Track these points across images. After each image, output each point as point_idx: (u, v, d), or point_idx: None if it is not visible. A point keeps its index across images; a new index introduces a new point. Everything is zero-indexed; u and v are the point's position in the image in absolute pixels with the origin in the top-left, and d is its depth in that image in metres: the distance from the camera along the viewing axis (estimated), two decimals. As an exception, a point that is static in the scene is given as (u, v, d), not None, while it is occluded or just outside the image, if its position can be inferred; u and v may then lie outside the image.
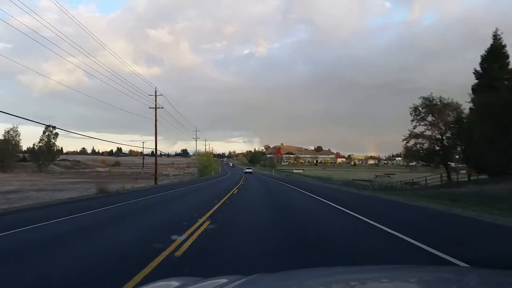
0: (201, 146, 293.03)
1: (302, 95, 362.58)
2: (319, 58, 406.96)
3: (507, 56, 28.60)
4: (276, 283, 2.06)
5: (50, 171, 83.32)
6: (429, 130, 34.99)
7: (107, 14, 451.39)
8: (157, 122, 39.52)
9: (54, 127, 79.31)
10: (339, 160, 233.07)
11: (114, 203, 16.25)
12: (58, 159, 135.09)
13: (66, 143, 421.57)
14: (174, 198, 20.54)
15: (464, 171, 41.47)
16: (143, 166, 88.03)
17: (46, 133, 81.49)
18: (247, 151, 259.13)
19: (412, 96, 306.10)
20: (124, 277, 4.57)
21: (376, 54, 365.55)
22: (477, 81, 30.21)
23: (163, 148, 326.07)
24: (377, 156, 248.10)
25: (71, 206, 15.27)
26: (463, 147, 33.01)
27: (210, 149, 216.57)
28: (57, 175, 75.31)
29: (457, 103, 33.73)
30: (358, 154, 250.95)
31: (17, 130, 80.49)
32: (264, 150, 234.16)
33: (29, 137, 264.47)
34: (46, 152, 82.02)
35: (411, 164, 43.29)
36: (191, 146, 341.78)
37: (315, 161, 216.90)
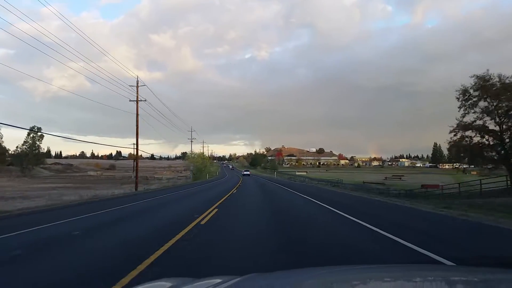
0: (201, 149, 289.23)
1: (304, 98, 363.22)
2: (320, 62, 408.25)
3: None
4: (270, 283, 2.04)
5: (35, 175, 77.65)
6: (480, 119, 27.95)
7: (111, 20, 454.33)
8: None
9: (39, 129, 73.63)
10: (342, 161, 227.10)
11: (53, 220, 11.28)
12: (50, 163, 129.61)
13: (68, 147, 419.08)
14: (139, 212, 14.99)
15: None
16: (133, 170, 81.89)
17: (31, 135, 75.49)
18: (247, 153, 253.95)
19: (413, 99, 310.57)
20: None
21: (378, 58, 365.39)
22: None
23: (164, 151, 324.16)
24: (380, 157, 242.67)
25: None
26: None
27: (210, 151, 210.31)
28: (41, 179, 69.75)
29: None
30: (360, 156, 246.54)
31: (-1, 133, 74.75)
32: (265, 153, 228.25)
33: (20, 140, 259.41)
34: (30, 155, 76.08)
35: (460, 165, 35.47)
36: (195, 149, 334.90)
37: (317, 163, 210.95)
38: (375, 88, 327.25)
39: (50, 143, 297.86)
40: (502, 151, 27.63)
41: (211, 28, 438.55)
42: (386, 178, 77.91)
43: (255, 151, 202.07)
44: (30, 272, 5.27)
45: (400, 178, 78.13)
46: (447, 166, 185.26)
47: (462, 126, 28.42)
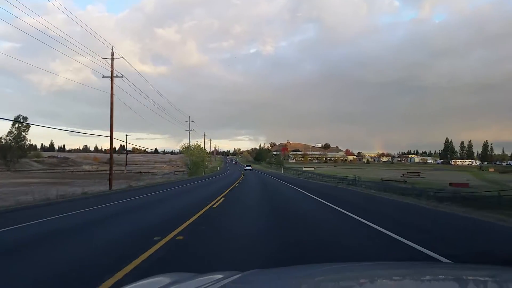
0: (205, 143, 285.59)
1: (309, 93, 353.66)
2: (326, 56, 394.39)
3: None
4: (272, 280, 2.03)
5: (21, 169, 71.92)
6: None
7: (116, 14, 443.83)
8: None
9: (25, 118, 67.61)
10: (349, 157, 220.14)
11: None
12: (46, 156, 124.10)
13: (72, 141, 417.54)
14: (69, 231, 8.67)
15: None
16: (126, 164, 76.12)
17: (16, 125, 69.27)
18: (252, 148, 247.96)
19: (418, 94, 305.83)
20: None
21: (384, 52, 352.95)
22: None
23: (170, 146, 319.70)
24: (388, 153, 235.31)
25: None
26: None
27: (214, 146, 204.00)
28: (24, 174, 63.97)
29: None
30: (366, 152, 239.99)
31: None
32: (270, 148, 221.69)
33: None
34: (15, 147, 70.00)
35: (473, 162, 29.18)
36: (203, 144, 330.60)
37: (324, 159, 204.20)
38: (381, 83, 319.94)
39: (54, 137, 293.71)
40: None
41: (216, 22, 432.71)
42: (403, 175, 71.15)
43: (260, 146, 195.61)
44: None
45: (419, 175, 71.46)
46: (459, 163, 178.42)
47: None
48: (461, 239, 8.29)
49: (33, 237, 8.11)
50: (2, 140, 69.94)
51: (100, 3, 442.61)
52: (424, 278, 2.00)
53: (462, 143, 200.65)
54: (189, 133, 63.03)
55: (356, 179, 42.00)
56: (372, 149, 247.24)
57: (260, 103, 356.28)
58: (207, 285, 1.79)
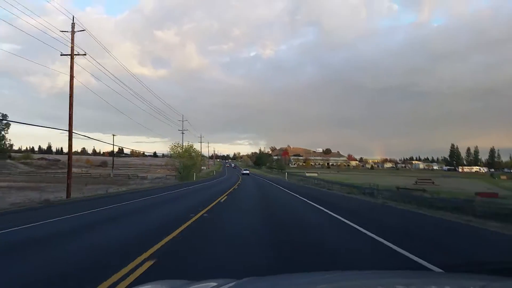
0: (204, 146, 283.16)
1: (310, 97, 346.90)
2: (326, 60, 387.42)
3: None
4: (268, 286, 2.03)
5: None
6: None
7: (115, 16, 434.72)
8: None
9: (4, 116, 61.92)
10: (352, 163, 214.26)
11: None
12: (36, 157, 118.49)
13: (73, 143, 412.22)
14: None
15: None
16: (112, 167, 70.39)
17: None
18: (252, 152, 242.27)
19: (419, 99, 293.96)
20: None
21: (384, 57, 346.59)
22: None
23: (170, 149, 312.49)
24: (391, 159, 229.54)
25: None
26: None
27: (213, 149, 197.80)
28: (1, 176, 58.26)
29: None
30: (367, 157, 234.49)
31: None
32: (270, 152, 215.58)
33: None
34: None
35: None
36: (197, 146, 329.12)
37: (326, 164, 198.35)
38: (381, 88, 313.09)
39: (52, 139, 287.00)
40: None
41: (215, 24, 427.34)
42: (416, 182, 65.30)
43: (260, 150, 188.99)
44: None
45: (433, 183, 65.59)
46: (466, 169, 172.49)
47: None
48: None
49: None
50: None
51: (99, 5, 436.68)
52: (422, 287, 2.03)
53: (468, 149, 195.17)
54: (182, 133, 57.36)
55: (372, 187, 36.32)
56: (372, 155, 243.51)
57: (260, 107, 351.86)
58: None
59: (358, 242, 8.27)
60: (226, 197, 20.79)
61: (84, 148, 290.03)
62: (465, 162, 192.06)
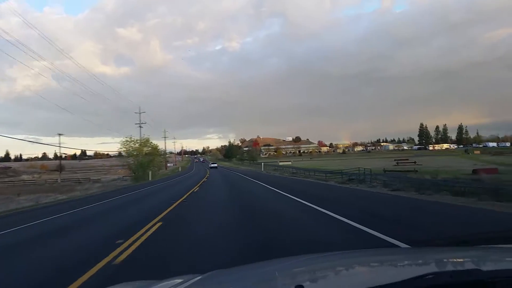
0: (172, 144, 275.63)
1: (277, 88, 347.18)
2: (292, 51, 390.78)
3: None
4: (230, 280, 1.98)
5: None
6: None
7: (75, 15, 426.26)
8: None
9: None
10: (323, 149, 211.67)
11: None
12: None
13: (33, 149, 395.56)
14: None
15: None
16: (60, 171, 62.34)
17: None
18: (221, 145, 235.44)
19: (383, 84, 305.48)
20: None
21: (349, 45, 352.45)
22: None
23: (122, 144, 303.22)
24: (358, 142, 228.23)
25: None
26: None
27: (180, 145, 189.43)
28: None
29: None
30: (336, 143, 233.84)
31: None
32: (240, 144, 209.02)
33: None
34: None
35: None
36: (168, 145, 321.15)
37: (297, 152, 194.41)
38: (346, 75, 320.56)
39: (9, 146, 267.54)
40: None
41: (179, 19, 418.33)
42: (397, 163, 61.20)
43: (229, 142, 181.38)
44: None
45: (415, 162, 61.64)
46: (437, 147, 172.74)
47: None
48: None
49: None
50: None
51: (57, 4, 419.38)
52: (385, 264, 2.02)
53: (437, 127, 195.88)
54: (140, 127, 50.23)
55: (362, 172, 31.12)
56: (341, 140, 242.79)
57: (228, 100, 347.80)
58: None
59: None
60: (185, 198, 14.70)
61: (45, 153, 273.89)
62: (433, 140, 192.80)
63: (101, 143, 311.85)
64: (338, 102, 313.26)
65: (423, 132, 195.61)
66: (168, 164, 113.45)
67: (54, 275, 5.29)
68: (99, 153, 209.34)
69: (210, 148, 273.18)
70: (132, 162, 44.22)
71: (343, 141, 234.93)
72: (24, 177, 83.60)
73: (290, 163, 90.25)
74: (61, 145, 52.82)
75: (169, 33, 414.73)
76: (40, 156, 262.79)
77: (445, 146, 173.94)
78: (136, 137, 46.82)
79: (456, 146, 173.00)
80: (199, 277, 1.90)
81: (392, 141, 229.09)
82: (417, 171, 36.58)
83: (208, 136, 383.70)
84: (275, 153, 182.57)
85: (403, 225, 8.27)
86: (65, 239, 8.65)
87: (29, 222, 12.32)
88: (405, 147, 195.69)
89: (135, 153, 44.59)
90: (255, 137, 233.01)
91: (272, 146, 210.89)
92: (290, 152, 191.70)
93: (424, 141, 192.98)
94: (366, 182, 25.14)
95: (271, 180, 29.19)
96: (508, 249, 2.22)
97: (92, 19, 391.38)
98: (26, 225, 11.74)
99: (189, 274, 2.04)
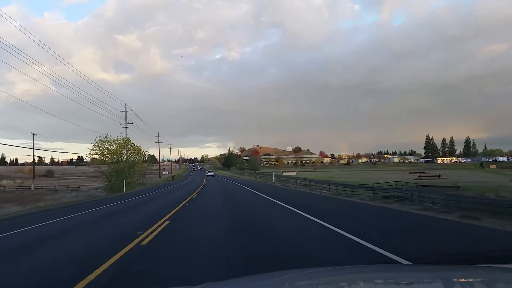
0: (173, 153, 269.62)
1: (276, 98, 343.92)
2: (291, 61, 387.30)
3: None
4: None
5: None
6: None
7: (75, 21, 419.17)
8: None
9: None
10: (326, 159, 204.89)
11: None
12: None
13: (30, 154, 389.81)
14: None
15: None
16: (33, 178, 55.34)
17: None
18: (220, 154, 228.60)
19: (382, 96, 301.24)
20: None
21: (347, 57, 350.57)
22: None
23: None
24: (357, 154, 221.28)
25: None
26: None
27: (177, 153, 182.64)
28: None
29: None
30: (336, 154, 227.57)
31: None
32: (239, 153, 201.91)
33: None
34: None
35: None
36: (164, 152, 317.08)
37: (299, 162, 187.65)
38: (344, 87, 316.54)
39: (8, 151, 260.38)
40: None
41: (179, 27, 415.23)
42: (420, 176, 54.49)
43: (229, 150, 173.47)
44: None
45: (439, 176, 54.93)
46: (447, 160, 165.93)
47: None
48: None
49: None
50: None
51: (58, 10, 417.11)
52: (389, 281, 1.95)
53: (444, 140, 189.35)
54: (126, 127, 43.23)
55: (402, 187, 24.23)
56: (339, 151, 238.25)
57: (227, 110, 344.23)
58: None
59: None
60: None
61: (41, 158, 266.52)
62: (440, 153, 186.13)
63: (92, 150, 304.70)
64: (336, 113, 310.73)
65: (429, 144, 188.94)
66: (163, 172, 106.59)
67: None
68: (95, 159, 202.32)
69: (209, 157, 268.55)
70: (107, 168, 36.57)
71: (342, 152, 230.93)
72: (4, 182, 76.33)
73: (294, 173, 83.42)
74: (34, 148, 45.86)
75: (169, 41, 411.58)
76: (37, 161, 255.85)
77: (454, 159, 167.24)
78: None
79: (464, 160, 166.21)
80: None
81: (394, 153, 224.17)
82: (459, 186, 29.68)
83: (207, 144, 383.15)
84: (276, 163, 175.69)
85: None
86: None
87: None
88: (411, 160, 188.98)
89: (108, 157, 37.08)
90: (254, 146, 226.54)
91: (272, 155, 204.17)
92: (292, 162, 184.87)
93: (430, 153, 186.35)
94: (414, 200, 18.24)
95: (288, 195, 21.97)
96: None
97: (92, 25, 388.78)
98: None
99: (183, 286, 1.91)
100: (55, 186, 49.36)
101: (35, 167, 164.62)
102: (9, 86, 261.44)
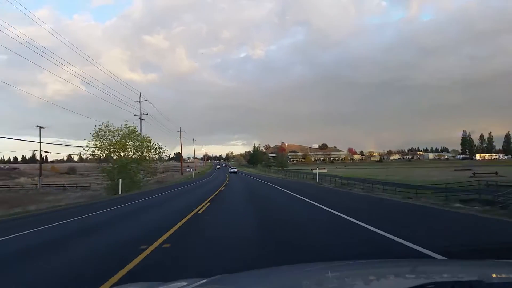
0: (193, 149, 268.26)
1: (301, 95, 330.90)
2: (316, 58, 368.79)
3: None
4: (235, 285, 1.96)
5: None
6: None
7: (103, 23, 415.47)
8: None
9: None
10: (356, 156, 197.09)
11: None
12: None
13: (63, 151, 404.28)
14: None
15: None
16: (40, 176, 51.44)
17: None
18: (245, 151, 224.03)
19: (410, 93, 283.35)
20: None
21: (374, 53, 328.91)
22: None
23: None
24: (388, 151, 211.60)
25: None
26: None
27: (204, 151, 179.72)
28: None
29: None
30: (365, 151, 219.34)
31: None
32: (265, 150, 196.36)
33: None
34: None
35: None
36: (190, 150, 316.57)
37: (327, 159, 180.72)
38: (373, 83, 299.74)
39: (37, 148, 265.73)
40: None
41: (204, 27, 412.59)
42: (474, 174, 47.59)
43: (254, 147, 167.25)
44: None
45: (497, 173, 47.94)
46: (487, 157, 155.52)
47: None
48: None
49: None
50: None
51: (87, 12, 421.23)
52: (421, 276, 1.91)
53: (482, 136, 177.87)
54: (140, 119, 38.47)
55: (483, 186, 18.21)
56: (366, 148, 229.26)
57: (252, 107, 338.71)
58: None
59: None
60: None
61: (69, 155, 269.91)
62: (476, 150, 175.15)
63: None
64: (363, 110, 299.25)
65: (466, 140, 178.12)
66: (187, 169, 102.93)
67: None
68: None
69: (234, 154, 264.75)
70: (105, 164, 31.31)
71: (369, 149, 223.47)
72: (22, 179, 73.78)
73: (326, 171, 77.44)
74: (41, 142, 41.80)
75: (194, 40, 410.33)
76: (65, 159, 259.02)
77: (494, 156, 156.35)
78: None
79: (505, 157, 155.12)
80: (202, 281, 1.87)
81: (425, 150, 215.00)
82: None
83: (232, 142, 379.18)
84: (303, 160, 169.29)
85: None
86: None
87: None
88: (447, 156, 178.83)
89: (111, 151, 31.55)
90: (279, 143, 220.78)
91: (298, 152, 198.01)
92: (320, 159, 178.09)
93: (467, 150, 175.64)
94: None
95: (353, 204, 15.81)
96: None
97: (120, 26, 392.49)
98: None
99: (195, 278, 2.02)
100: (63, 184, 45.37)
101: (61, 164, 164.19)
102: (42, 87, 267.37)
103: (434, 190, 20.31)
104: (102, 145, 30.72)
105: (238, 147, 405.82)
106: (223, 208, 14.64)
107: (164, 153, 36.96)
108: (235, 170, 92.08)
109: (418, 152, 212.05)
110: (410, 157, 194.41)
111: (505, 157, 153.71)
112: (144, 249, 6.41)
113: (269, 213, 12.82)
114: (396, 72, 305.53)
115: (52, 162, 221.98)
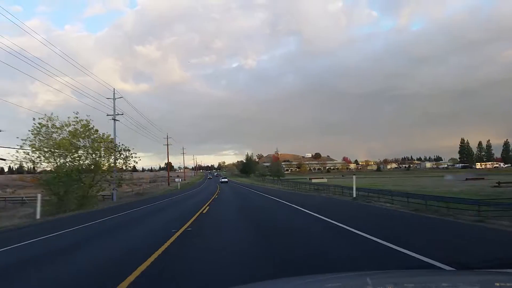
0: (188, 160, 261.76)
1: (294, 105, 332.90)
2: (308, 69, 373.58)
3: None
4: None
5: None
6: None
7: (95, 33, 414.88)
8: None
9: None
10: (351, 165, 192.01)
11: None
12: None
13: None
14: None
15: None
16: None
17: None
18: (238, 161, 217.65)
19: (401, 102, 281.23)
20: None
21: (365, 63, 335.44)
22: None
23: (153, 163, 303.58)
24: (384, 159, 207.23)
25: None
26: None
27: (193, 160, 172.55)
28: None
29: None
30: (359, 160, 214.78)
31: None
32: (257, 160, 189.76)
33: None
34: None
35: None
36: (180, 160, 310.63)
37: (323, 168, 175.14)
38: (363, 94, 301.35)
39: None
40: None
41: (196, 37, 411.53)
42: (498, 183, 42.17)
43: (247, 156, 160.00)
44: None
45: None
46: (488, 165, 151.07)
47: None
48: None
49: None
50: None
51: (78, 22, 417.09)
52: (429, 286, 1.90)
53: (480, 143, 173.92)
54: (114, 120, 32.01)
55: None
56: (358, 157, 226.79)
57: (244, 117, 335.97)
58: None
59: None
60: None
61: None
62: (477, 158, 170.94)
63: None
64: (355, 119, 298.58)
65: (464, 149, 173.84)
66: (176, 179, 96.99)
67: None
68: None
69: (226, 164, 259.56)
70: (38, 175, 23.85)
71: (361, 158, 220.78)
72: (10, 190, 67.05)
73: (325, 180, 71.61)
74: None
75: (186, 50, 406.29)
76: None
77: (495, 164, 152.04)
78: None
79: (505, 165, 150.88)
80: None
81: (419, 159, 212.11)
82: None
83: (224, 152, 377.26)
84: (298, 169, 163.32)
85: None
86: None
87: None
88: (446, 165, 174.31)
89: (46, 154, 23.74)
90: (271, 153, 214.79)
91: (292, 162, 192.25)
92: (315, 168, 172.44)
93: (465, 158, 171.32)
94: None
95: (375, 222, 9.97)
96: None
97: (112, 36, 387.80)
98: None
99: None
100: (22, 197, 38.67)
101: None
102: (32, 97, 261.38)
103: (477, 204, 14.43)
104: (42, 145, 23.07)
105: (230, 157, 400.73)
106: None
107: (132, 157, 29.45)
108: (226, 179, 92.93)
109: (415, 161, 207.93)
110: (408, 166, 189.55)
111: (506, 165, 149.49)
112: None
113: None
114: (386, 82, 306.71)
115: (40, 173, 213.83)
